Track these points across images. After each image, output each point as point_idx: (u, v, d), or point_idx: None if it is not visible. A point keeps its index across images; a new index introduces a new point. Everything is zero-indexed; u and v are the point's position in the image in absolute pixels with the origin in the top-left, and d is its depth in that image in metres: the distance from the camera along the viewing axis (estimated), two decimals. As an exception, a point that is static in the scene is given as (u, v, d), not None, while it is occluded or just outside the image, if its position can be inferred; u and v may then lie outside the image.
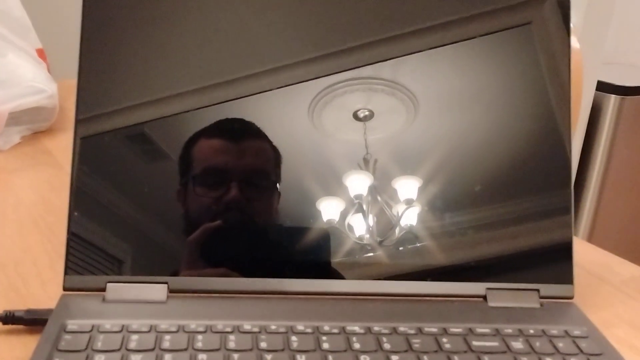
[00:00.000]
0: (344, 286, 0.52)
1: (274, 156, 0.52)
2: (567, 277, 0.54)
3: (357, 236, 0.53)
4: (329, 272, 0.52)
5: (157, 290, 0.50)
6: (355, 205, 0.53)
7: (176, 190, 0.52)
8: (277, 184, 0.52)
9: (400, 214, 0.53)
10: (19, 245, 0.60)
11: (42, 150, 0.85)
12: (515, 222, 0.55)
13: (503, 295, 0.53)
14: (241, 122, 0.53)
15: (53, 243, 0.60)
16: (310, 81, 0.53)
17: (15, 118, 0.87)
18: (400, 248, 0.53)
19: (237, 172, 0.52)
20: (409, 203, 0.53)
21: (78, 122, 0.51)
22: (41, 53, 1.03)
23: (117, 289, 0.49)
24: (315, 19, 0.55)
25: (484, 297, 0.53)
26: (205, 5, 0.54)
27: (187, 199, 0.52)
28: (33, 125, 0.91)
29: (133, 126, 0.53)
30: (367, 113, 0.54)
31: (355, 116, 0.54)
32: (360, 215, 0.53)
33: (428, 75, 0.55)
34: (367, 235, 0.53)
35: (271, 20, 0.54)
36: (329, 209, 0.52)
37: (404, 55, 0.54)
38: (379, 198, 0.53)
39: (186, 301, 0.50)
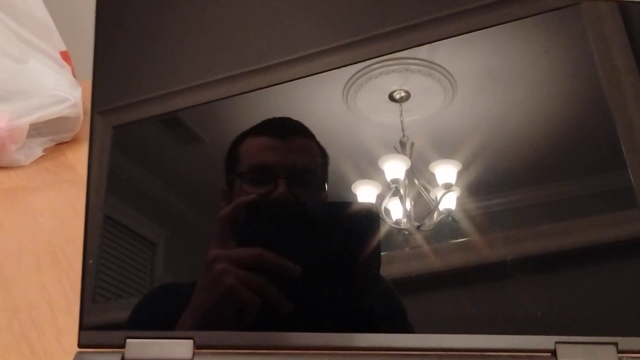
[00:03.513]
0: (394, 341, 0.46)
1: (322, 155, 0.50)
2: (649, 328, 0.47)
3: (394, 220, 0.50)
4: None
5: (181, 347, 0.45)
6: (392, 189, 0.50)
7: (221, 191, 0.48)
8: (325, 184, 0.49)
9: (438, 199, 0.50)
10: (35, 284, 0.55)
11: (65, 165, 0.81)
12: (583, 254, 0.49)
13: (575, 350, 0.46)
14: (288, 120, 0.50)
15: (71, 280, 0.56)
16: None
17: (37, 129, 0.83)
18: (441, 243, 0.49)
19: (284, 169, 0.49)
20: (448, 187, 0.50)
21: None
22: (65, 55, 0.98)
23: (137, 346, 0.44)
24: (352, 3, 0.52)
25: (553, 352, 0.46)
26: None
27: (233, 198, 0.48)
28: (56, 136, 0.86)
29: (162, 116, 0.49)
30: (403, 94, 0.51)
31: (391, 97, 0.51)
32: (397, 199, 0.50)
33: (467, 55, 0.52)
34: (404, 220, 0.50)
35: (305, 5, 0.52)
36: (364, 193, 0.50)
37: (445, 39, 0.51)
38: (416, 182, 0.51)
39: (215, 359, 0.44)
